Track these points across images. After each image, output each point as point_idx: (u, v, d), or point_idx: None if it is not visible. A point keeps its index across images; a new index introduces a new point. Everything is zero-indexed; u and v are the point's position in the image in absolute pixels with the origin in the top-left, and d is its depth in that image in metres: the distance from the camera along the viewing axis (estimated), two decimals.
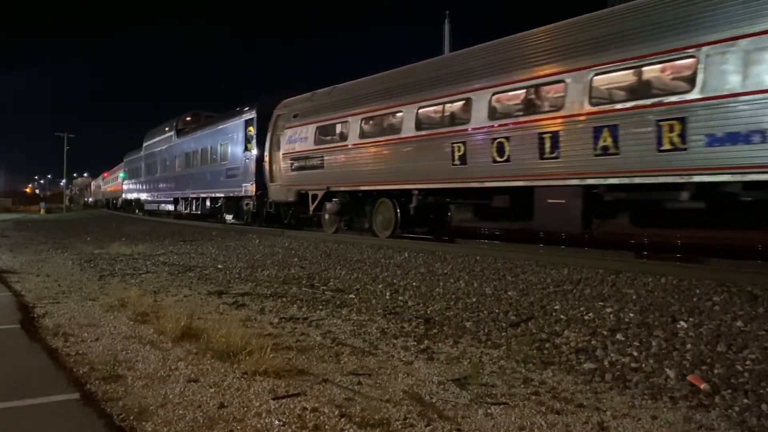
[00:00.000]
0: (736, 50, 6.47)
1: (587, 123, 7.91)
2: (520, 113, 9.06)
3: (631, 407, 3.04)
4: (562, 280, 6.36)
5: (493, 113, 9.39)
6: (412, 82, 11.34)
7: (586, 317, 4.86)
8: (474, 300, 5.77)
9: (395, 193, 11.70)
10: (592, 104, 7.88)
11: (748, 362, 3.59)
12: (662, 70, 7.45)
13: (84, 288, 7.03)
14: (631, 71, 7.69)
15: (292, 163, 14.61)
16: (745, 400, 3.05)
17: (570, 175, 8.19)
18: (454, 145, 9.93)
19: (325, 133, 13.69)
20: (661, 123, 7.07)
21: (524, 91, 9.04)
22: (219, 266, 9.09)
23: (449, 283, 6.65)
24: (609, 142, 7.63)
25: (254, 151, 17.64)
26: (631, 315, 4.79)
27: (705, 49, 6.74)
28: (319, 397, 3.16)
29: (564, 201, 8.35)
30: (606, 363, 3.77)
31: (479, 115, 9.52)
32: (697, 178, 6.89)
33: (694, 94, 6.79)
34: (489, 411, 2.97)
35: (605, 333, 4.38)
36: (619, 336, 4.26)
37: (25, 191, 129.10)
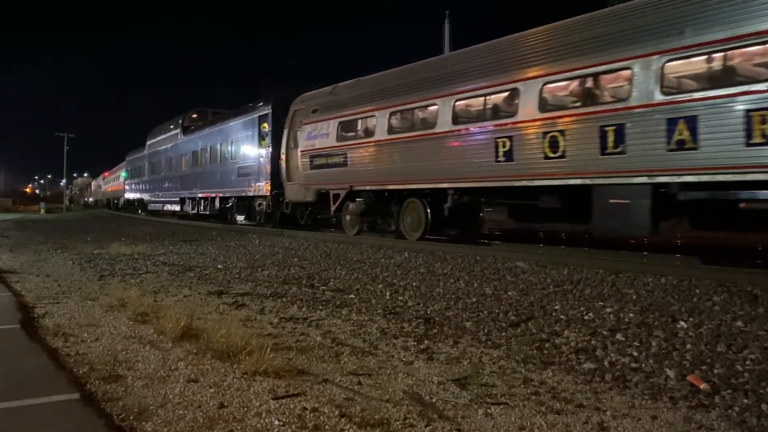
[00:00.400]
0: None
1: (659, 114, 7.17)
2: (578, 104, 8.33)
3: (631, 407, 3.04)
4: (562, 280, 6.36)
5: (544, 104, 8.65)
6: (448, 72, 10.54)
7: (586, 317, 4.86)
8: (474, 300, 5.77)
9: (427, 192, 10.96)
10: (664, 93, 7.16)
11: (748, 362, 3.58)
12: (743, 56, 6.73)
13: (84, 288, 7.03)
14: (710, 56, 6.97)
15: (311, 161, 13.87)
16: (745, 400, 3.05)
17: (637, 172, 7.43)
18: (499, 140, 9.16)
19: (348, 128, 12.97)
20: (752, 114, 6.32)
21: (582, 80, 8.32)
22: (219, 266, 9.09)
23: (449, 283, 6.65)
24: (686, 135, 6.91)
25: (269, 149, 16.83)
26: (631, 315, 4.78)
27: None
28: (319, 397, 3.16)
29: (629, 201, 7.63)
30: (606, 363, 3.77)
31: (528, 107, 8.76)
32: None
33: None
34: (489, 411, 2.97)
35: (605, 333, 4.37)
36: (619, 336, 4.26)
37: (25, 191, 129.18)
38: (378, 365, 3.79)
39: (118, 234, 16.91)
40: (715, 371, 3.48)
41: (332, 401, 3.09)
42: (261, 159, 17.39)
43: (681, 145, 6.96)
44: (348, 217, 13.26)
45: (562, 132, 8.27)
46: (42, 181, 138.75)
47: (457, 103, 10.13)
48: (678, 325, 4.42)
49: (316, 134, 13.76)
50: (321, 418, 2.85)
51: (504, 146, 9.07)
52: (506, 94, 9.35)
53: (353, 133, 12.85)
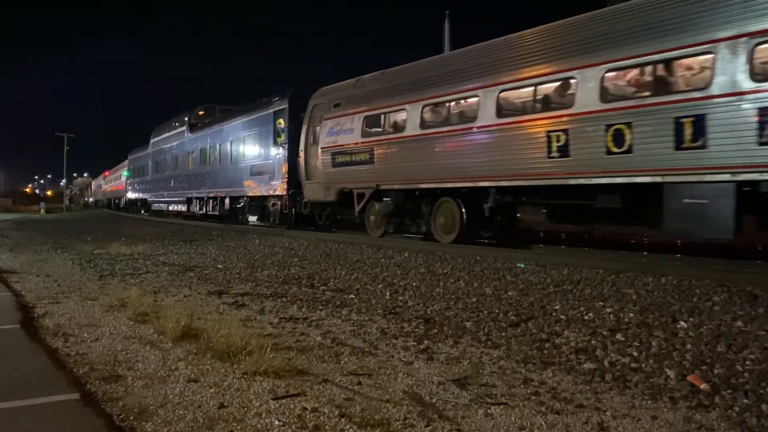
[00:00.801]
0: None
1: (748, 104, 6.46)
2: (647, 94, 7.52)
3: (631, 407, 3.04)
4: (562, 280, 6.35)
5: (605, 94, 7.84)
6: (490, 61, 9.72)
7: (586, 317, 4.86)
8: (474, 300, 5.77)
9: (464, 192, 10.17)
10: (756, 80, 6.43)
11: (748, 362, 3.58)
12: None
13: (84, 288, 7.04)
14: None
15: (333, 159, 12.93)
16: (745, 400, 3.05)
17: (719, 169, 6.72)
18: (552, 134, 8.36)
19: (374, 123, 12.07)
20: None
21: (652, 66, 7.53)
22: (219, 266, 9.09)
23: (449, 283, 6.65)
24: None
25: (285, 146, 15.79)
26: (631, 315, 4.78)
27: None
28: (319, 397, 3.16)
29: (708, 201, 6.96)
30: (606, 363, 3.77)
31: (588, 97, 7.95)
32: None
33: None
34: (489, 411, 2.97)
35: (605, 333, 4.37)
36: (619, 336, 4.26)
37: (25, 191, 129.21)
38: (378, 365, 3.79)
39: (119, 234, 16.92)
40: (715, 371, 3.48)
41: (332, 401, 3.09)
42: (277, 156, 16.42)
43: None
44: (373, 218, 12.39)
45: (629, 124, 7.50)
46: (42, 181, 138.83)
47: (502, 94, 9.33)
48: (678, 325, 4.41)
49: (339, 130, 12.87)
50: (321, 418, 2.85)
51: (558, 141, 8.31)
52: (559, 83, 8.62)
53: (380, 129, 12.02)
